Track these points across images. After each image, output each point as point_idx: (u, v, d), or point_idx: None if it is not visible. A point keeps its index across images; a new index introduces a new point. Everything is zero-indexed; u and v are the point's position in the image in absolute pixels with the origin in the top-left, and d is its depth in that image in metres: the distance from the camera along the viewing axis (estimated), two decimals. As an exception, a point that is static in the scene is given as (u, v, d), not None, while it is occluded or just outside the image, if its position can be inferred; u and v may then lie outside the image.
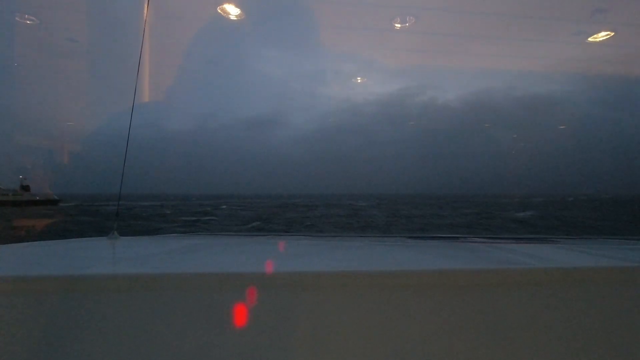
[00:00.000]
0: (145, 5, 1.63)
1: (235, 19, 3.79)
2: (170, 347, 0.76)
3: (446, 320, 0.81)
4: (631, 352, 0.83)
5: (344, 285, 0.82)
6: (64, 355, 0.75)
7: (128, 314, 0.78)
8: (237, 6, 3.70)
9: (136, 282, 0.81)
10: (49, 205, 49.54)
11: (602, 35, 5.00)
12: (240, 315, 0.79)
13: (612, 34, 4.95)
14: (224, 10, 3.72)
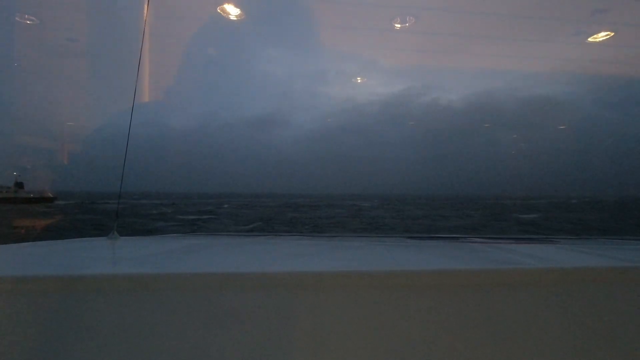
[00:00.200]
0: (145, 6, 1.63)
1: (235, 19, 3.80)
2: (170, 347, 0.76)
3: (446, 320, 0.81)
4: (631, 352, 0.83)
5: (344, 285, 0.82)
6: (64, 355, 0.75)
7: (128, 314, 0.78)
8: (236, 6, 3.70)
9: (136, 282, 0.81)
10: (43, 203, 49.03)
11: (601, 36, 5.01)
12: (240, 315, 0.79)
13: (612, 34, 4.96)
14: (223, 10, 3.72)
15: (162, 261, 1.08)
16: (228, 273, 0.83)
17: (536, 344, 0.81)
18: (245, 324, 0.78)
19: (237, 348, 0.77)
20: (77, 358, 0.75)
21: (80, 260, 1.08)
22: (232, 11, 3.76)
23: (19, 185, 50.08)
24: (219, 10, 3.75)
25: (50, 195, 53.93)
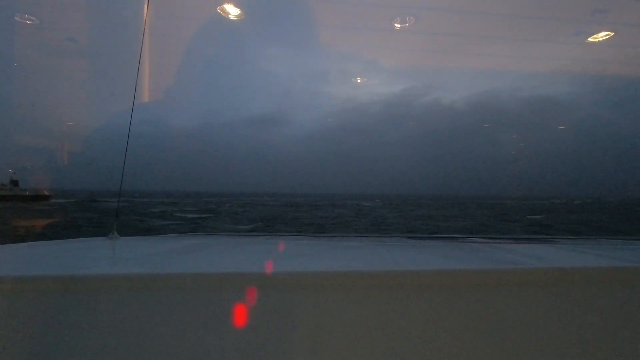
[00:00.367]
0: (145, 6, 1.63)
1: (236, 19, 3.80)
2: (170, 347, 0.76)
3: (446, 320, 0.81)
4: (631, 352, 0.83)
5: (344, 285, 0.82)
6: (63, 355, 0.75)
7: (128, 314, 0.78)
8: (236, 6, 3.70)
9: (136, 282, 0.81)
10: (39, 201, 48.62)
11: (601, 36, 5.01)
12: (240, 315, 0.79)
13: (612, 34, 4.96)
14: (223, 10, 3.72)
15: (162, 261, 1.08)
16: (228, 273, 0.83)
17: (536, 344, 0.81)
18: (245, 324, 0.78)
19: (237, 348, 0.77)
20: (77, 358, 0.75)
21: (80, 260, 1.08)
22: (232, 11, 3.76)
23: (14, 182, 49.56)
24: (218, 10, 3.75)
25: (46, 193, 53.31)
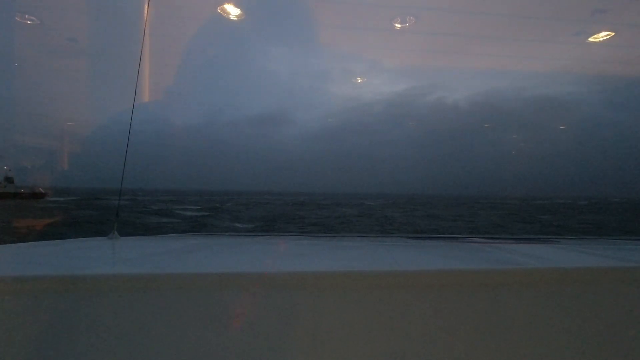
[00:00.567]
0: (146, 6, 1.63)
1: (236, 19, 3.79)
2: (170, 347, 0.76)
3: (446, 320, 0.81)
4: (631, 352, 0.83)
5: (344, 285, 0.82)
6: (63, 355, 0.75)
7: (128, 314, 0.78)
8: (236, 6, 3.70)
9: (136, 282, 0.81)
10: (33, 199, 48.17)
11: (602, 36, 5.02)
12: (240, 315, 0.79)
13: (613, 34, 4.97)
14: (224, 10, 3.72)
15: (162, 261, 1.08)
16: (228, 273, 0.83)
17: (536, 344, 0.81)
18: (245, 324, 0.78)
19: (237, 348, 0.77)
20: (77, 358, 0.75)
21: (80, 260, 1.08)
22: (232, 11, 3.76)
23: (9, 180, 49.15)
24: (219, 10, 3.75)
25: (41, 191, 52.83)
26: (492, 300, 0.83)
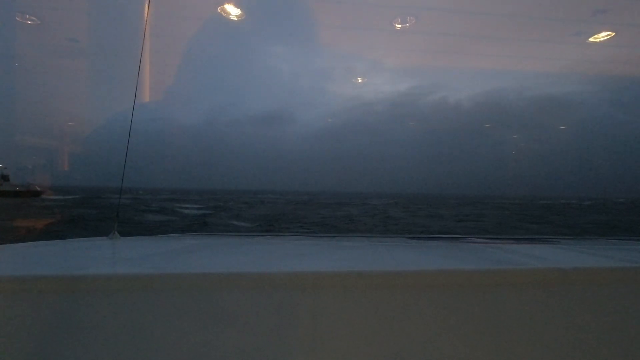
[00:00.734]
0: (146, 6, 1.64)
1: (236, 19, 3.80)
2: (170, 347, 0.76)
3: (446, 320, 0.81)
4: (631, 352, 0.83)
5: (344, 285, 0.82)
6: (63, 355, 0.75)
7: (128, 314, 0.78)
8: (237, 6, 3.70)
9: (136, 282, 0.81)
10: (29, 197, 47.41)
11: (602, 36, 5.03)
12: (240, 315, 0.79)
13: (613, 34, 4.98)
14: (224, 10, 3.72)
15: (162, 261, 1.08)
16: (228, 273, 0.83)
17: (536, 344, 0.81)
18: (245, 324, 0.78)
19: (237, 348, 0.77)
20: (77, 358, 0.75)
21: (81, 260, 1.08)
22: (233, 11, 3.76)
23: (5, 177, 48.26)
24: (219, 10, 3.75)
25: (37, 189, 51.93)
26: (492, 300, 0.83)
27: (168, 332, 0.77)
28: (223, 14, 3.74)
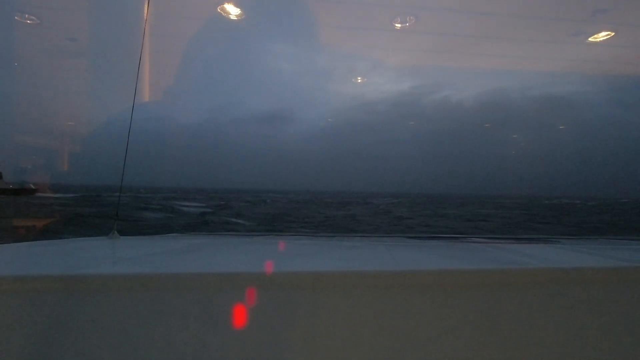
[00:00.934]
0: (146, 6, 1.64)
1: (236, 18, 3.79)
2: (170, 347, 0.76)
3: (446, 320, 0.81)
4: (631, 352, 0.83)
5: (344, 285, 0.82)
6: (63, 355, 0.75)
7: (128, 314, 0.78)
8: (236, 6, 3.69)
9: (136, 282, 0.81)
10: (22, 195, 46.28)
11: (602, 36, 5.04)
12: (240, 315, 0.79)
13: (613, 33, 4.98)
14: (224, 10, 3.72)
15: (162, 261, 1.08)
16: (228, 273, 0.83)
17: (536, 344, 0.81)
18: (245, 324, 0.78)
19: (237, 348, 0.77)
20: (77, 358, 0.75)
21: (80, 260, 1.08)
22: (233, 11, 3.76)
23: None
24: (219, 10, 3.74)
25: (32, 187, 50.68)
26: (492, 300, 0.83)
27: (168, 331, 0.77)
28: (223, 13, 3.74)
